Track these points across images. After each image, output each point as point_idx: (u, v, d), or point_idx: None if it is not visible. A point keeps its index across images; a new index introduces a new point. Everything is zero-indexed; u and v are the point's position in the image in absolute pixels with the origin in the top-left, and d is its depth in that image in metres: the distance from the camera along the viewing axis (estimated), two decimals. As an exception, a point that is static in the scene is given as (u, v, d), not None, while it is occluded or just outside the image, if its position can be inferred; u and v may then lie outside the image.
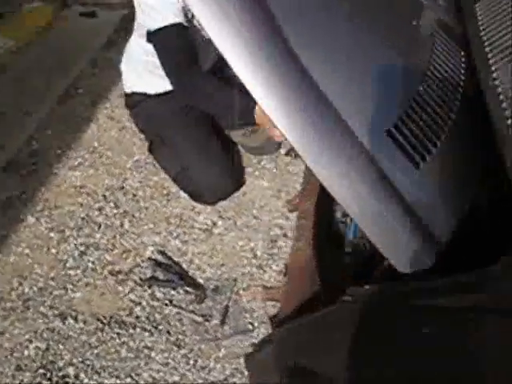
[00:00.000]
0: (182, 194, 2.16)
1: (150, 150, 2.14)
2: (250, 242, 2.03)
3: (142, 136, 2.32)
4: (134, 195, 2.17)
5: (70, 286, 1.88)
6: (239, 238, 2.04)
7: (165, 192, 2.19)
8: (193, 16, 1.80)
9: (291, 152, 2.20)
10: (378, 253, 1.37)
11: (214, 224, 2.08)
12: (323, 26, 1.03)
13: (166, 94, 2.06)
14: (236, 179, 2.12)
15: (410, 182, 1.02)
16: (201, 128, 2.08)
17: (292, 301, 1.56)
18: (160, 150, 2.08)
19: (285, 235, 2.05)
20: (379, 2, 1.18)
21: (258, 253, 2.00)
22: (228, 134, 2.31)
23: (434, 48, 1.13)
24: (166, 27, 1.70)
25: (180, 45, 1.73)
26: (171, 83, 1.78)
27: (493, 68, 1.08)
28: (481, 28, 1.15)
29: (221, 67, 2.07)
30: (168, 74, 1.74)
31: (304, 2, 1.02)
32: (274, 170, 2.28)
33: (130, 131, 2.41)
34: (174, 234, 2.05)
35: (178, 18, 1.71)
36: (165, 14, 1.70)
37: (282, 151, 2.34)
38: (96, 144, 2.35)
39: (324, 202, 1.74)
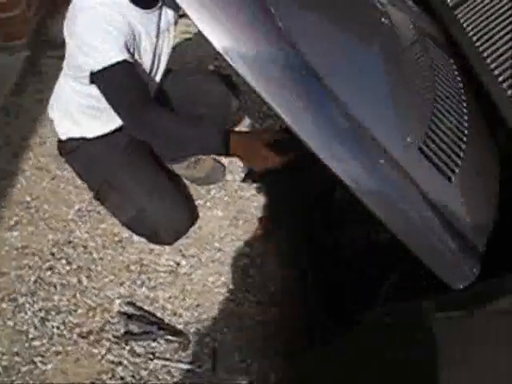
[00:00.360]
0: (136, 237, 2.04)
1: (98, 198, 2.00)
2: (221, 277, 1.96)
3: (78, 183, 2.17)
4: (85, 247, 2.02)
5: (38, 359, 1.71)
6: (208, 274, 1.96)
7: (117, 239, 2.06)
8: (134, 50, 1.71)
9: (247, 179, 2.15)
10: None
11: (178, 264, 1.99)
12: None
13: (105, 135, 1.94)
14: (191, 213, 2.04)
15: (446, 196, 1.02)
16: (147, 166, 1.99)
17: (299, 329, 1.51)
18: (110, 195, 1.95)
19: (253, 263, 2.00)
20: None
21: (231, 286, 1.93)
22: (171, 168, 2.22)
23: (434, 62, 1.14)
24: (111, 66, 1.59)
25: (130, 82, 1.63)
26: (126, 123, 1.67)
27: (496, 72, 1.11)
28: (470, 34, 1.17)
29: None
30: (121, 114, 1.63)
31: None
32: (226, 198, 2.22)
33: (63, 179, 2.24)
34: (139, 282, 1.93)
35: (122, 55, 1.61)
36: (109, 53, 1.59)
37: (229, 177, 2.28)
38: (29, 199, 2.16)
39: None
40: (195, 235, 2.07)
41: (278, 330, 1.78)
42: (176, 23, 1.90)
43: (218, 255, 2.02)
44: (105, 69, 1.60)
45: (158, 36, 1.82)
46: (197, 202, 2.19)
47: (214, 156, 2.24)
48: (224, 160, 2.30)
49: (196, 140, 1.55)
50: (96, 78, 1.63)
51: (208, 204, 2.20)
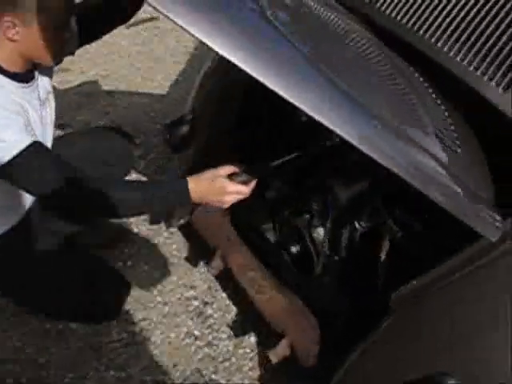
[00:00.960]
0: (74, 325, 1.87)
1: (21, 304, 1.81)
2: (181, 328, 1.89)
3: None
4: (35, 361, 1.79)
5: None
6: (167, 330, 1.89)
7: (54, 333, 1.86)
8: (30, 128, 1.57)
9: (170, 223, 2.08)
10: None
11: (133, 333, 1.87)
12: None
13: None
14: (123, 279, 1.94)
15: (459, 166, 1.14)
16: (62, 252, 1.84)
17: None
18: (40, 298, 1.77)
19: (205, 303, 1.97)
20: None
21: (196, 332, 1.88)
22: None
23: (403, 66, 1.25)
24: (23, 152, 1.44)
25: (50, 161, 1.49)
26: (62, 205, 1.52)
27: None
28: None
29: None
30: (52, 199, 1.49)
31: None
32: (143, 250, 2.14)
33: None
34: (102, 368, 1.78)
35: (29, 137, 1.47)
36: (16, 139, 1.44)
37: (135, 229, 2.19)
38: None
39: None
40: (133, 298, 1.96)
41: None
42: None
43: (166, 309, 1.95)
44: (16, 156, 1.44)
45: (41, 108, 1.68)
46: (118, 265, 2.07)
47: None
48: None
49: (156, 200, 1.47)
50: (7, 169, 1.46)
51: (129, 263, 2.09)
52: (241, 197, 1.44)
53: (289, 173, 1.65)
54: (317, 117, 0.88)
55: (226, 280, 1.97)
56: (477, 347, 1.21)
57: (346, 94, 0.98)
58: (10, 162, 1.44)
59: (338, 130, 0.91)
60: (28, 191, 1.51)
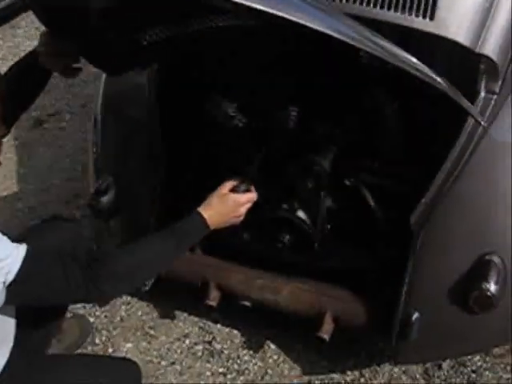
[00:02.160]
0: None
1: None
2: (205, 375, 1.89)
3: None
4: None
5: None
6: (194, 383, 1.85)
7: None
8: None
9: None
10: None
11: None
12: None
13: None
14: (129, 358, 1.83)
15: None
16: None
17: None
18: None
19: (208, 342, 1.98)
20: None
21: (221, 370, 1.90)
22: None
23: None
24: (26, 258, 1.32)
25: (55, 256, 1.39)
26: (93, 294, 1.40)
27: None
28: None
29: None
30: (79, 292, 1.38)
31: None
32: (117, 337, 2.02)
33: None
34: None
35: (21, 245, 1.35)
36: (13, 251, 1.31)
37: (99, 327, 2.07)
38: None
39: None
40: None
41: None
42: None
43: (178, 368, 1.91)
44: (23, 265, 1.32)
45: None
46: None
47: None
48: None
49: (182, 242, 1.45)
50: (15, 286, 1.32)
51: (110, 349, 1.98)
52: (251, 204, 1.51)
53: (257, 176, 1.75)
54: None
55: (211, 313, 1.99)
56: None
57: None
58: (17, 278, 1.31)
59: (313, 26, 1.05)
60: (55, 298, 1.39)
